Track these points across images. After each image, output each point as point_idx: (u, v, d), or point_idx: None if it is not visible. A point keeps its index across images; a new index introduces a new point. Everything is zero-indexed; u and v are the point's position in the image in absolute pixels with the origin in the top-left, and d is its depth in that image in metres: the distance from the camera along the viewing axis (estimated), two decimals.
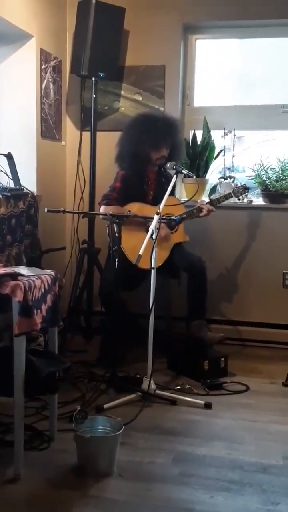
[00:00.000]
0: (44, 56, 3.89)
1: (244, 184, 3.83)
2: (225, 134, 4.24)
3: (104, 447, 2.45)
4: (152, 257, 3.10)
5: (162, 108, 4.23)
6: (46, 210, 3.10)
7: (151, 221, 3.09)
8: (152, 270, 3.13)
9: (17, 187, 3.44)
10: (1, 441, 2.62)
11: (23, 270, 2.58)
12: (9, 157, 3.42)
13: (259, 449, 2.68)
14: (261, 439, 2.79)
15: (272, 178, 4.17)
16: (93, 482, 2.36)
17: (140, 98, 4.30)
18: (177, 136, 3.74)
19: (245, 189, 3.79)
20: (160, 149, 3.65)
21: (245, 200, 3.99)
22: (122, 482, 2.39)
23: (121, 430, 2.49)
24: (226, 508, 2.21)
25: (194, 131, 4.30)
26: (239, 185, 3.84)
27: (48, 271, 2.67)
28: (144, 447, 2.68)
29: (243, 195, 3.83)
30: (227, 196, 3.76)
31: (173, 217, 3.53)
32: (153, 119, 3.70)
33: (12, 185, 3.45)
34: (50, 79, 4.01)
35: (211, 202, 3.72)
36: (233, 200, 3.85)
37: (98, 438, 2.48)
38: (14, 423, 2.39)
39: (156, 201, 3.34)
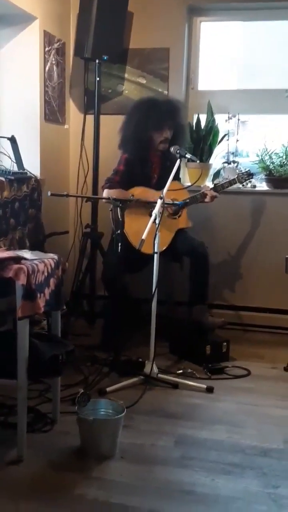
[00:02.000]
0: (48, 38, 3.85)
1: (249, 170, 3.81)
2: (229, 118, 4.22)
3: (107, 429, 2.47)
4: (155, 242, 3.10)
5: (166, 92, 4.20)
6: (49, 193, 3.10)
7: (155, 206, 3.08)
8: (155, 255, 3.13)
9: (21, 171, 3.43)
10: (4, 423, 2.65)
11: (26, 253, 2.58)
12: (12, 140, 3.40)
13: (260, 433, 2.70)
14: (262, 423, 2.81)
15: (276, 163, 4.15)
16: (95, 464, 2.39)
17: (144, 81, 4.26)
18: (179, 118, 3.70)
19: (250, 175, 3.77)
20: (162, 131, 3.62)
21: (249, 185, 3.98)
22: (124, 464, 2.41)
23: (123, 413, 2.51)
24: (226, 491, 2.23)
25: (198, 115, 4.27)
26: (243, 171, 3.82)
27: (51, 255, 2.67)
28: (146, 430, 2.70)
29: (247, 181, 3.81)
30: (231, 182, 3.74)
31: (176, 202, 3.52)
32: (154, 102, 3.69)
33: (15, 168, 3.43)
34: (53, 62, 3.97)
35: (215, 188, 3.70)
36: (237, 185, 3.83)
37: (100, 421, 2.50)
38: (17, 405, 2.41)
39: (160, 185, 3.33)
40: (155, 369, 3.18)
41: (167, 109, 3.63)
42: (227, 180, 3.76)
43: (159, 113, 3.58)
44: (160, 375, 3.21)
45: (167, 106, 3.65)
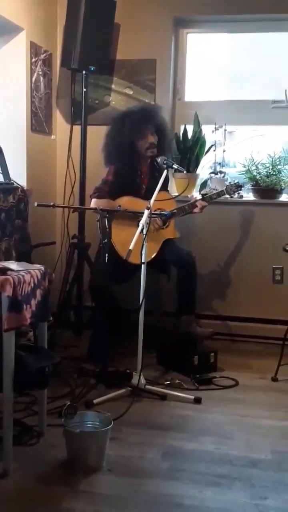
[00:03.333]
0: (34, 49, 3.86)
1: (237, 181, 3.83)
2: (216, 129, 4.24)
3: (94, 442, 2.45)
4: (143, 252, 3.10)
5: (153, 102, 4.21)
6: (36, 204, 3.09)
7: (142, 216, 3.08)
8: (142, 265, 3.13)
9: (7, 181, 3.41)
10: None
11: (12, 264, 2.57)
12: None
13: (248, 444, 2.69)
14: (250, 434, 2.80)
15: (262, 173, 4.17)
16: (83, 477, 2.36)
17: (131, 92, 4.28)
18: (158, 120, 3.69)
19: (238, 187, 3.78)
20: (145, 136, 3.61)
21: (236, 195, 3.99)
22: (111, 477, 2.39)
23: (110, 425, 2.49)
24: (215, 503, 2.21)
25: (185, 125, 4.30)
26: (232, 182, 3.83)
27: (38, 265, 2.65)
28: (133, 442, 2.68)
29: (236, 193, 3.82)
30: (219, 194, 3.75)
31: (164, 212, 3.51)
32: (128, 112, 3.70)
33: (1, 179, 3.42)
34: (40, 73, 3.98)
35: (203, 199, 3.71)
36: (225, 196, 3.84)
37: (87, 433, 2.48)
38: (3, 418, 2.38)
39: (149, 195, 3.33)
40: (143, 380, 3.16)
41: (143, 114, 3.62)
42: (215, 192, 3.77)
43: (136, 121, 3.58)
44: (147, 386, 3.19)
45: (142, 112, 3.65)
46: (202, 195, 3.84)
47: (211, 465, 2.49)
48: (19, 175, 3.65)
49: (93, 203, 3.57)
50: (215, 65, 4.49)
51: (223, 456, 2.57)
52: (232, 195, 3.81)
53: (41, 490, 2.28)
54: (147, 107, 3.78)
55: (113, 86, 4.30)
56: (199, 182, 4.35)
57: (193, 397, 3.15)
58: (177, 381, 3.38)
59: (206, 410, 3.06)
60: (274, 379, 3.50)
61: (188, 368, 3.51)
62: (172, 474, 2.41)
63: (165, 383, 3.36)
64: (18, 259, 3.34)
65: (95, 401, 3.01)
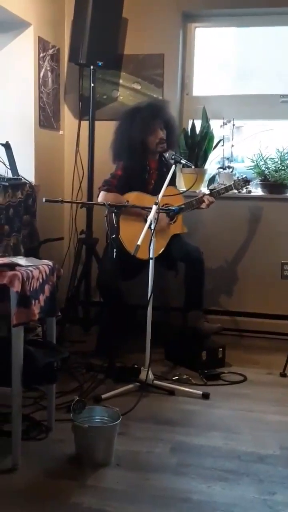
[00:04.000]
0: (42, 45, 3.85)
1: (245, 176, 3.81)
2: (224, 123, 4.23)
3: (102, 437, 2.45)
4: (150, 247, 3.09)
5: (160, 97, 4.20)
6: (44, 200, 3.09)
7: (150, 211, 3.07)
8: (150, 261, 3.13)
9: (15, 177, 3.42)
10: None
11: (21, 260, 2.57)
12: (6, 146, 3.40)
13: (256, 439, 2.69)
14: (258, 429, 2.80)
15: (271, 168, 4.16)
16: (91, 472, 2.37)
17: (139, 87, 4.27)
18: (166, 115, 3.68)
19: (246, 181, 3.77)
20: (155, 132, 3.61)
21: (244, 190, 3.98)
22: (119, 472, 2.40)
23: (119, 420, 2.49)
24: (223, 498, 2.22)
25: (193, 120, 4.28)
26: (240, 177, 3.81)
27: (46, 261, 2.66)
28: (141, 437, 2.68)
29: (244, 188, 3.81)
30: (227, 188, 3.74)
31: (171, 208, 3.51)
32: (136, 109, 3.68)
33: (10, 175, 3.43)
34: (48, 68, 3.97)
35: (211, 194, 3.70)
36: (233, 191, 3.83)
37: (96, 428, 2.48)
38: (12, 413, 2.39)
39: (157, 190, 3.33)
40: (151, 376, 3.17)
41: (152, 110, 3.61)
42: (223, 186, 3.76)
43: (146, 117, 3.57)
44: (155, 382, 3.19)
45: (150, 108, 3.63)
46: (210, 190, 3.83)
47: (219, 460, 2.50)
48: (27, 170, 3.66)
49: (102, 195, 3.56)
50: (223, 60, 4.47)
51: (231, 451, 2.58)
52: (240, 190, 3.80)
53: (49, 484, 2.30)
54: (155, 103, 3.77)
55: (121, 81, 4.29)
56: (207, 177, 4.33)
57: (201, 392, 3.16)
58: (185, 376, 3.39)
59: (214, 406, 3.06)
60: (283, 375, 3.49)
61: (196, 364, 3.51)
62: (180, 469, 2.42)
63: (173, 378, 3.37)
64: (27, 254, 3.36)
65: (103, 396, 3.02)
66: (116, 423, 2.48)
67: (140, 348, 3.23)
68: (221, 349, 3.63)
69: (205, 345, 3.61)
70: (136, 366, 3.29)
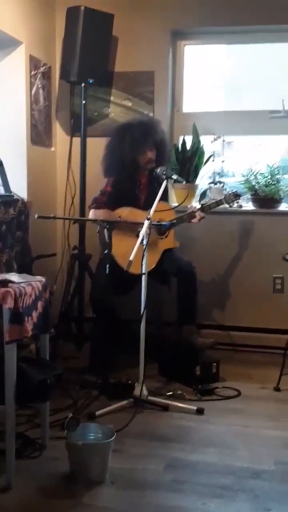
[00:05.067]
0: (34, 63, 3.88)
1: (236, 191, 3.84)
2: (215, 139, 4.26)
3: (96, 454, 2.44)
4: (143, 262, 3.10)
5: (151, 114, 4.24)
6: (36, 216, 3.09)
7: (142, 227, 3.08)
8: (143, 276, 3.13)
9: (7, 194, 3.42)
10: None
11: (13, 276, 2.57)
12: None
13: (251, 455, 2.68)
14: (253, 445, 2.78)
15: (261, 183, 4.19)
16: (85, 490, 2.35)
17: (130, 104, 4.30)
18: (156, 135, 3.70)
19: (237, 196, 3.79)
20: (144, 152, 3.64)
21: (235, 205, 4.00)
22: (114, 489, 2.38)
23: (113, 437, 2.48)
24: None
25: (184, 136, 4.32)
26: (230, 192, 3.84)
27: (39, 277, 2.66)
28: (136, 454, 2.67)
29: (235, 202, 3.83)
30: (218, 203, 3.76)
31: (163, 223, 3.52)
32: (128, 125, 3.72)
33: (2, 191, 3.43)
34: (39, 86, 4.00)
35: (202, 209, 3.72)
36: (224, 206, 3.85)
37: (90, 446, 2.46)
38: (5, 431, 2.37)
39: (147, 206, 3.35)
40: (145, 392, 3.15)
41: (142, 130, 3.64)
42: (214, 201, 3.78)
43: (136, 137, 3.60)
44: (150, 398, 3.18)
45: (141, 128, 3.66)
46: (202, 205, 3.85)
47: (214, 476, 2.48)
48: (19, 187, 3.67)
49: (92, 213, 3.58)
50: (213, 76, 4.52)
51: (226, 467, 2.56)
52: (231, 204, 3.82)
53: (43, 503, 2.27)
54: (146, 123, 3.77)
55: (112, 98, 4.32)
56: (198, 192, 4.36)
57: (195, 407, 3.14)
58: (179, 391, 3.37)
59: (208, 421, 3.05)
60: (277, 389, 3.49)
61: (190, 379, 3.50)
62: (175, 486, 2.40)
63: (167, 394, 3.35)
64: (19, 271, 3.35)
65: (97, 413, 3.00)
66: (110, 440, 2.47)
67: (133, 363, 3.22)
68: (215, 364, 3.62)
69: (199, 360, 3.60)
70: (130, 382, 3.28)
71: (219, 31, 4.28)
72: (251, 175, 4.22)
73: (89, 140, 4.13)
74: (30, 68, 3.83)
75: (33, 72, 3.88)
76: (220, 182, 4.22)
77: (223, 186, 4.20)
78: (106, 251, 3.16)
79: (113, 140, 3.70)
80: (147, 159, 3.65)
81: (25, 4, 3.74)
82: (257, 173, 4.21)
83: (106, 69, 4.14)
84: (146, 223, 3.07)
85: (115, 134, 3.72)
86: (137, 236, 3.08)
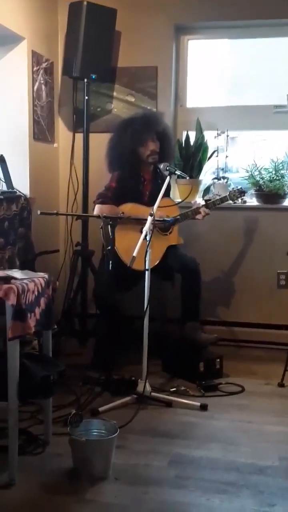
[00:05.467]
0: (36, 58, 3.87)
1: (240, 187, 3.82)
2: (218, 134, 4.24)
3: (100, 450, 2.43)
4: (146, 258, 3.09)
5: (154, 109, 4.22)
6: (39, 212, 3.09)
7: (145, 223, 3.07)
8: (146, 272, 3.12)
9: (10, 190, 3.42)
10: None
11: (16, 273, 2.56)
12: (1, 160, 3.40)
13: (255, 451, 2.67)
14: (257, 440, 2.78)
15: (265, 178, 4.17)
16: (89, 486, 2.35)
17: (133, 99, 4.29)
18: (159, 127, 3.68)
19: (241, 192, 3.77)
20: (146, 144, 3.62)
21: (239, 200, 3.98)
22: (118, 485, 2.37)
23: (116, 433, 2.47)
24: (222, 510, 2.20)
25: (187, 132, 4.31)
26: (235, 188, 3.82)
27: (42, 274, 2.65)
28: (140, 450, 2.66)
29: (239, 199, 3.82)
30: (223, 199, 3.74)
31: (167, 219, 3.51)
32: (130, 120, 3.72)
33: (4, 188, 3.43)
34: (42, 81, 3.99)
35: (206, 205, 3.70)
36: (228, 202, 3.84)
37: (93, 442, 2.46)
38: (8, 427, 2.37)
39: (152, 201, 3.34)
40: (148, 388, 3.15)
41: (144, 121, 3.63)
42: (218, 197, 3.76)
43: (137, 128, 3.59)
44: (153, 394, 3.17)
45: (143, 119, 3.65)
46: (206, 201, 3.83)
47: (218, 472, 2.48)
48: (22, 183, 3.66)
49: (97, 209, 3.56)
50: (216, 71, 4.50)
51: (230, 463, 2.56)
52: (235, 201, 3.80)
53: (47, 499, 2.27)
54: (148, 114, 3.78)
55: (114, 93, 4.31)
56: (202, 188, 4.35)
57: (199, 403, 3.14)
58: (182, 388, 3.37)
59: (212, 417, 3.04)
60: (280, 385, 3.48)
61: (194, 375, 3.50)
62: (178, 482, 2.40)
63: (171, 390, 3.35)
64: (22, 267, 3.35)
65: (100, 409, 3.00)
66: (114, 436, 2.46)
67: (137, 360, 3.21)
68: (218, 360, 3.62)
69: (203, 356, 3.60)
70: (133, 378, 3.27)
71: (222, 25, 4.26)
72: (255, 170, 4.20)
73: (92, 136, 4.12)
74: (33, 63, 3.82)
75: (35, 68, 3.87)
76: (224, 178, 4.20)
77: (227, 182, 4.19)
78: (109, 247, 3.15)
79: (116, 133, 3.69)
80: (149, 151, 3.62)
81: (27, 0, 3.72)
82: (261, 168, 4.20)
83: (109, 64, 4.12)
84: (150, 219, 3.06)
85: (118, 128, 3.71)
86: (141, 232, 3.08)
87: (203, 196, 4.26)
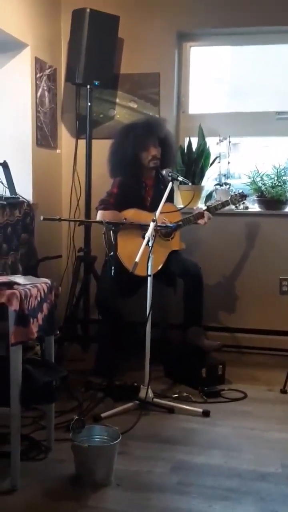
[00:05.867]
0: (39, 65, 3.89)
1: (242, 191, 3.83)
2: (220, 141, 4.25)
3: (102, 456, 2.43)
4: (149, 264, 3.09)
5: (157, 115, 4.23)
6: (42, 218, 3.09)
7: (147, 228, 3.08)
8: (149, 278, 3.12)
9: (13, 196, 3.43)
10: None
11: (19, 278, 2.57)
12: (4, 165, 3.41)
13: (258, 457, 2.67)
14: (259, 447, 2.77)
15: (267, 184, 4.17)
16: (91, 492, 2.34)
17: (135, 106, 4.30)
18: (161, 132, 3.68)
19: (243, 196, 3.78)
20: (148, 149, 3.63)
21: (241, 206, 3.99)
22: (120, 492, 2.37)
23: (118, 439, 2.47)
24: None
25: (190, 138, 4.32)
26: (236, 192, 3.83)
27: (44, 279, 2.66)
28: (142, 456, 2.66)
29: (240, 203, 3.82)
30: (224, 204, 3.75)
31: (169, 224, 3.52)
32: (132, 125, 3.74)
33: (7, 193, 3.44)
34: (45, 88, 4.01)
35: (208, 210, 3.71)
36: (230, 207, 3.84)
37: (95, 448, 2.46)
38: (10, 433, 2.37)
39: (154, 207, 3.34)
40: (151, 394, 3.15)
41: (146, 127, 3.64)
42: (220, 202, 3.77)
43: (139, 134, 3.60)
44: (155, 400, 3.17)
45: (145, 125, 3.66)
46: (207, 206, 3.84)
47: (220, 479, 2.47)
48: (25, 189, 3.67)
49: (99, 215, 3.57)
50: (218, 78, 4.51)
51: (232, 469, 2.55)
52: (237, 205, 3.81)
53: (49, 506, 2.27)
54: (150, 120, 3.80)
55: (117, 100, 4.32)
56: (204, 194, 4.35)
57: (201, 410, 3.13)
58: (185, 394, 3.36)
59: (214, 423, 3.04)
60: (283, 391, 3.47)
61: (196, 381, 3.49)
62: (180, 489, 2.39)
63: (173, 396, 3.34)
64: (25, 273, 3.36)
65: (103, 415, 3.00)
66: (116, 442, 2.46)
67: (139, 365, 3.21)
68: (221, 366, 3.61)
69: (205, 362, 3.59)
70: (135, 384, 3.27)
71: (225, 32, 4.27)
72: (257, 176, 4.21)
73: (95, 142, 4.14)
74: (36, 70, 3.84)
75: (38, 75, 3.88)
76: (226, 184, 4.21)
77: (229, 188, 4.20)
78: (111, 253, 3.16)
79: (118, 138, 3.70)
80: (151, 156, 3.63)
81: (30, 7, 3.75)
82: (263, 174, 4.20)
83: (112, 71, 4.14)
84: (152, 224, 3.07)
85: (120, 133, 3.73)
86: (143, 237, 3.08)
87: (205, 203, 4.27)
